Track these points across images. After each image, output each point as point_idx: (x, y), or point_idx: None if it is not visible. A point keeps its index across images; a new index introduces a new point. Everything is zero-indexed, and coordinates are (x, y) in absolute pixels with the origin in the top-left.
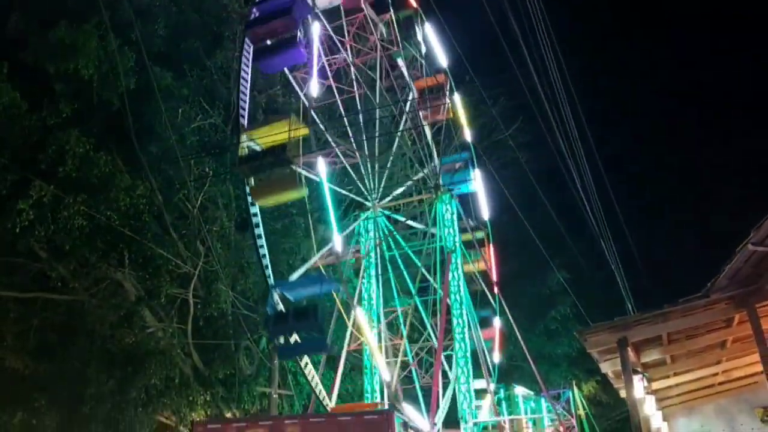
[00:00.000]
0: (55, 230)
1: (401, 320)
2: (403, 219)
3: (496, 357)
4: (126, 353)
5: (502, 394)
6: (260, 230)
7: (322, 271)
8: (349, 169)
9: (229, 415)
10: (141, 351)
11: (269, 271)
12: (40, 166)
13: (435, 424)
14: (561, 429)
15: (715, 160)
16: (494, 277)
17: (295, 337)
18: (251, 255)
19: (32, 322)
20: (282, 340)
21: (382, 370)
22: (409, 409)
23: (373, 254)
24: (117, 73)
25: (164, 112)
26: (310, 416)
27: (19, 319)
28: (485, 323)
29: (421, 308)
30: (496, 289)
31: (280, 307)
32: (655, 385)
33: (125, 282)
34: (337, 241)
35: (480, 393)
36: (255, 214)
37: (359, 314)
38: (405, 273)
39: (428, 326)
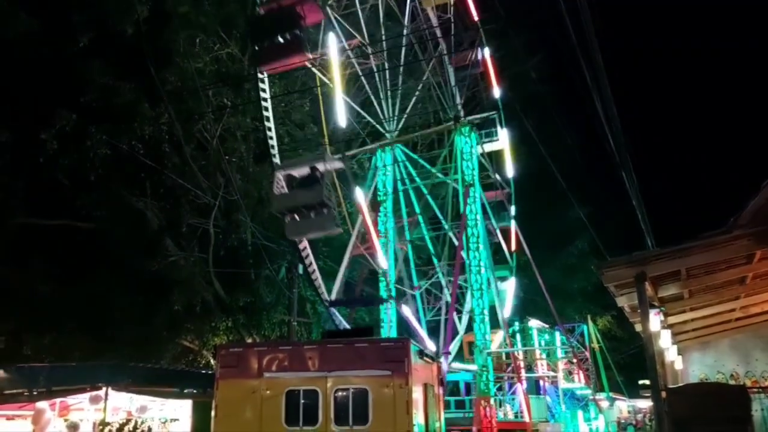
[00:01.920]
0: (79, 160)
1: (406, 229)
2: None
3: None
4: (150, 280)
5: (516, 326)
6: (271, 125)
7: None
8: (363, 81)
9: (249, 340)
10: (165, 278)
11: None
12: (62, 96)
13: (449, 353)
14: (574, 360)
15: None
16: (513, 246)
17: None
18: (270, 186)
19: (60, 248)
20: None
21: (379, 257)
22: (406, 310)
23: (388, 187)
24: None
25: (181, 40)
26: (328, 342)
27: (47, 246)
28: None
29: (429, 245)
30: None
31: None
32: (671, 320)
33: (148, 211)
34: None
35: (494, 326)
36: (273, 147)
37: (358, 195)
38: (416, 207)
39: (437, 263)
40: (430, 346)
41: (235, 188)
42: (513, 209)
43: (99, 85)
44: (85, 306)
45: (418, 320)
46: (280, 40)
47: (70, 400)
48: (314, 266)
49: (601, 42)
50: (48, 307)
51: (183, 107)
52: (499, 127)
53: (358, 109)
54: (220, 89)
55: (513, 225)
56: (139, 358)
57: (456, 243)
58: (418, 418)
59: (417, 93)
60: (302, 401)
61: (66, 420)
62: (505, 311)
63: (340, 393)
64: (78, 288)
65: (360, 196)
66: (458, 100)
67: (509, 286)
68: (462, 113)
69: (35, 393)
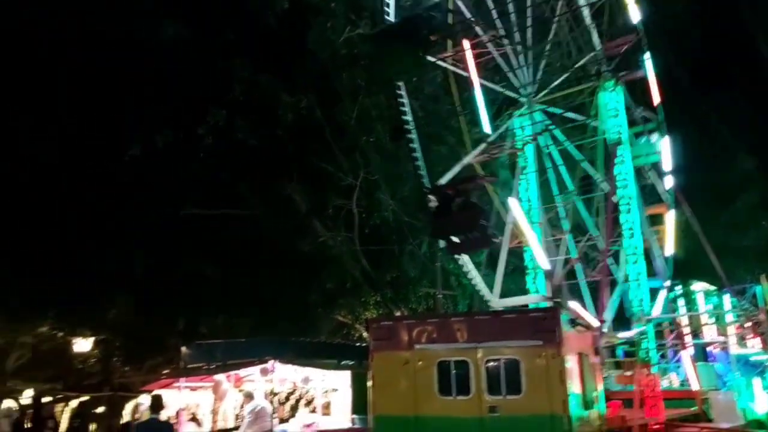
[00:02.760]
0: (231, 152)
1: (562, 213)
2: (560, 112)
3: (669, 250)
4: (303, 261)
5: (677, 291)
6: (414, 136)
7: (477, 169)
8: (500, 61)
9: (398, 314)
10: (316, 258)
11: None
12: (212, 94)
13: (604, 321)
14: (747, 324)
15: None
16: (656, 98)
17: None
18: (408, 164)
19: (223, 235)
20: (443, 243)
21: (539, 258)
22: (574, 305)
23: (528, 152)
24: None
25: (316, 28)
26: (475, 314)
27: (211, 235)
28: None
29: (581, 208)
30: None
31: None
32: None
33: (296, 196)
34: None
35: (652, 291)
36: (407, 122)
37: (514, 205)
38: (564, 171)
39: (591, 226)
40: (585, 315)
41: (374, 167)
42: (647, 56)
43: (242, 80)
44: (249, 287)
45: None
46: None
47: (243, 372)
48: (416, 144)
49: None
50: (218, 291)
51: (321, 92)
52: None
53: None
54: (353, 71)
55: (649, 68)
56: (299, 333)
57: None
58: (574, 387)
59: (549, 52)
60: (453, 372)
61: (241, 390)
62: (668, 247)
63: (491, 364)
64: (242, 271)
65: (515, 205)
66: (597, 46)
67: (663, 149)
68: (605, 67)
69: (213, 367)
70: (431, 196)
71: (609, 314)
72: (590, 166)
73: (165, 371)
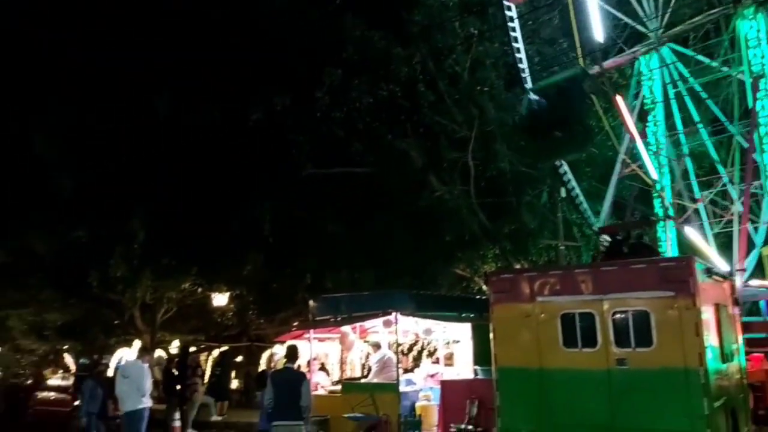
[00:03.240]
0: (347, 111)
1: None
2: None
3: None
4: (421, 215)
5: None
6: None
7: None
8: None
9: (517, 266)
10: (433, 213)
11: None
12: (327, 55)
13: (743, 269)
14: None
15: None
16: None
17: None
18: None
19: (342, 193)
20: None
21: (650, 170)
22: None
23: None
24: None
25: None
26: (601, 264)
27: (332, 193)
28: None
29: (712, 151)
30: None
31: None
32: None
33: (411, 151)
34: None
35: None
36: (523, 70)
37: (619, 102)
38: (693, 111)
39: (722, 171)
40: (721, 263)
41: (489, 118)
42: None
43: (354, 38)
44: (369, 243)
45: (704, 236)
46: None
47: (367, 324)
48: (577, 189)
49: None
50: (340, 247)
51: (432, 44)
52: None
53: (613, 10)
54: (465, 19)
55: None
56: (419, 287)
57: (746, 145)
58: (710, 340)
59: None
60: (578, 324)
61: (366, 341)
62: None
63: (618, 316)
64: (362, 228)
65: (621, 104)
66: None
67: None
68: None
69: (339, 319)
70: (604, 236)
71: (749, 261)
72: (724, 106)
73: (295, 324)
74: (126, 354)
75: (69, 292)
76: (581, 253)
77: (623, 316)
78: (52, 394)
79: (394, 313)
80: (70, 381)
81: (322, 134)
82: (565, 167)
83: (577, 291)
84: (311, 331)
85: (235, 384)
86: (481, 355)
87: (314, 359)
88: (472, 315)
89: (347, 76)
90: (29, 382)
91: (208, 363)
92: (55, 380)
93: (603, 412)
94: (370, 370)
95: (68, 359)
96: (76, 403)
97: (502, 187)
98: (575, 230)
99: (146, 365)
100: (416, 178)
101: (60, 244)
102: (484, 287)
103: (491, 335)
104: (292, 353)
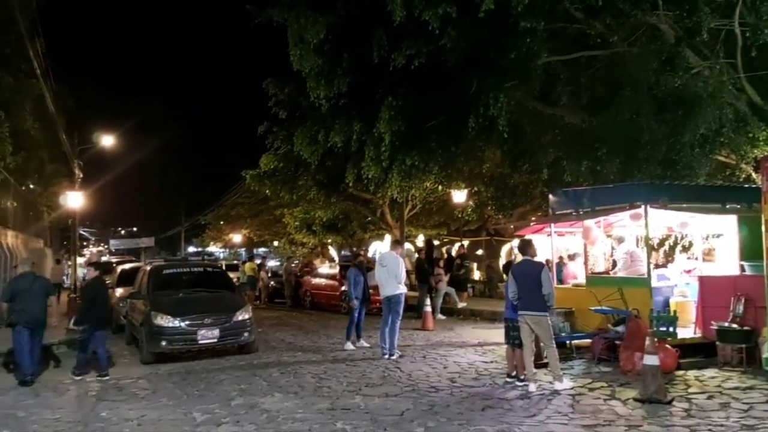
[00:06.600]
0: None
1: None
2: None
3: None
4: (673, 98)
5: None
6: None
7: None
8: None
9: None
10: (688, 94)
11: None
12: None
13: None
14: None
15: None
16: None
17: None
18: None
19: (580, 80)
20: None
21: None
22: None
23: None
24: None
25: None
26: None
27: (568, 80)
28: None
29: None
30: None
31: None
32: None
33: (661, 25)
34: None
35: None
36: None
37: None
38: None
39: None
40: None
41: None
42: None
43: None
44: (612, 131)
45: None
46: None
47: (612, 218)
48: None
49: None
50: (579, 137)
51: None
52: None
53: None
54: None
55: None
56: (670, 177)
57: None
58: None
59: None
60: None
61: (610, 236)
62: None
63: None
64: (603, 115)
65: None
66: None
67: None
68: None
69: (581, 212)
70: None
71: None
72: None
73: (533, 218)
74: (379, 246)
75: (330, 192)
76: None
77: None
78: (323, 281)
79: (643, 206)
80: (336, 270)
81: (557, 17)
82: None
83: None
84: (551, 225)
85: (476, 275)
86: (750, 250)
87: (573, 254)
88: (738, 206)
89: None
90: (303, 269)
91: (452, 255)
92: (323, 269)
93: None
94: (614, 264)
95: (332, 251)
96: (343, 288)
97: None
98: None
99: (399, 256)
100: (668, 55)
101: (321, 150)
102: (754, 175)
103: (763, 227)
104: (524, 245)
